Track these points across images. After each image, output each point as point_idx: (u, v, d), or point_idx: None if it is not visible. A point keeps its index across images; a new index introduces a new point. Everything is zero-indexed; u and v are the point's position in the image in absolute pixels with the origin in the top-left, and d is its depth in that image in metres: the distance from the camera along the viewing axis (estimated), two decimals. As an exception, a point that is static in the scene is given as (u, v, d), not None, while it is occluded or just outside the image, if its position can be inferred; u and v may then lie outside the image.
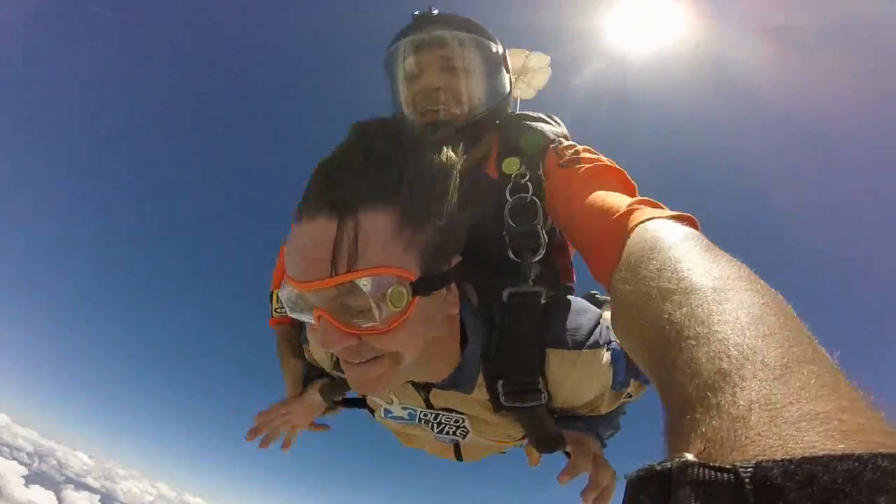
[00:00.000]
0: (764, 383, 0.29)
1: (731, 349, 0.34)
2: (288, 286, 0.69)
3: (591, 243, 0.79)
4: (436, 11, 1.07)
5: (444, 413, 1.02)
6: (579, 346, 0.85)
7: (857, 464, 0.21)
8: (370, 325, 0.66)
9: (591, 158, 0.93)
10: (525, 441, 1.21)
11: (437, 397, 0.97)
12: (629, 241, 0.66)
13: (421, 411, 1.04)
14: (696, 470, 0.23)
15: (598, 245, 0.76)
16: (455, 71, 1.03)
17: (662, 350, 0.42)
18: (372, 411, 1.17)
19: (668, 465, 0.25)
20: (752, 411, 0.28)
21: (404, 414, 1.07)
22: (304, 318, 0.72)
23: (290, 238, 0.69)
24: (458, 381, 0.89)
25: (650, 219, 0.68)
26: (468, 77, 1.04)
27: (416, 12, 1.08)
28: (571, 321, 0.87)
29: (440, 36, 1.04)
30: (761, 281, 0.45)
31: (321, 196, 0.65)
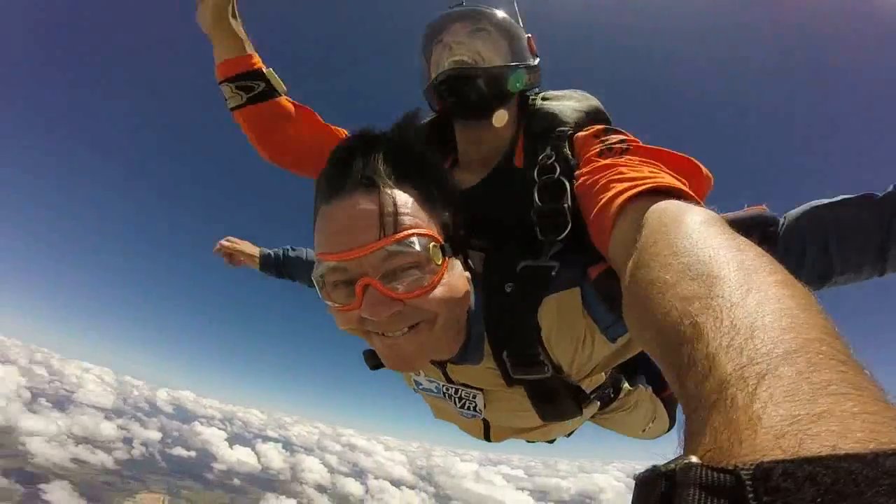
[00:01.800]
0: (784, 382, 0.28)
1: (753, 345, 0.32)
2: (328, 261, 0.73)
3: (593, 209, 0.77)
4: (465, 3, 1.18)
5: (463, 388, 1.07)
6: (557, 288, 0.86)
7: (859, 463, 0.20)
8: (416, 282, 0.73)
9: (622, 143, 0.90)
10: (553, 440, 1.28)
11: (454, 371, 1.03)
12: (646, 218, 0.62)
13: (443, 385, 1.09)
14: (698, 471, 0.23)
15: (600, 211, 0.74)
16: (474, 34, 1.12)
17: (678, 342, 0.40)
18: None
19: (672, 466, 0.25)
20: (768, 410, 0.27)
21: (432, 387, 1.12)
22: (341, 296, 0.76)
23: (322, 220, 0.76)
24: (467, 353, 0.92)
25: (664, 196, 0.66)
26: (485, 39, 1.12)
27: (450, 5, 1.20)
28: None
29: (460, 11, 1.15)
30: (787, 272, 0.42)
31: (354, 176, 0.74)
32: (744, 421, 0.27)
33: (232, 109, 1.22)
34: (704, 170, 0.83)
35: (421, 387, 1.15)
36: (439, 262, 0.75)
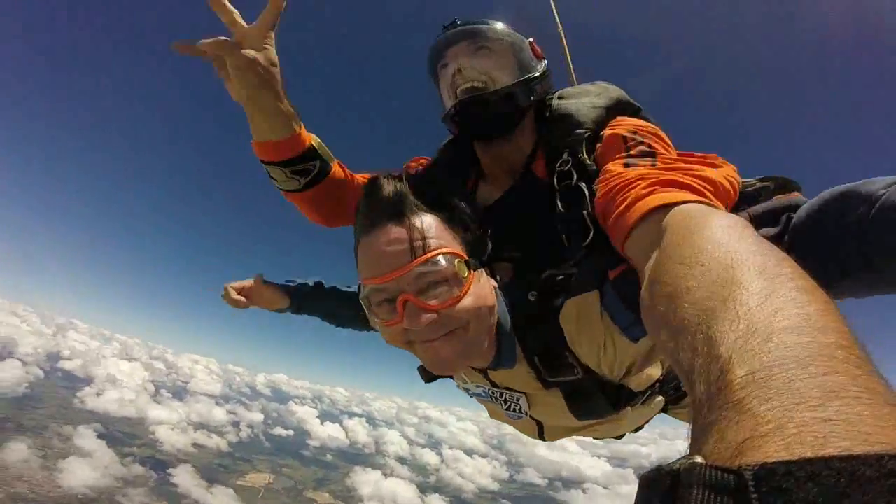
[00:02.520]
0: (795, 385, 0.28)
1: (768, 349, 0.32)
2: (372, 284, 0.86)
3: (613, 213, 0.79)
4: (458, 21, 1.19)
5: (507, 392, 1.14)
6: (577, 293, 0.89)
7: (862, 464, 0.20)
8: (447, 294, 0.84)
9: (648, 152, 0.88)
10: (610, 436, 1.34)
11: (496, 376, 1.11)
12: (667, 220, 0.64)
13: (490, 389, 1.17)
14: (702, 471, 0.23)
15: (620, 214, 0.76)
16: (476, 53, 1.14)
17: (693, 344, 0.40)
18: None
19: (677, 466, 0.25)
20: (776, 413, 0.27)
21: (480, 391, 1.20)
22: (385, 312, 0.87)
23: (362, 251, 0.88)
24: (501, 358, 0.99)
25: (689, 201, 0.67)
26: (489, 57, 1.14)
27: (445, 24, 1.20)
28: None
29: (459, 31, 1.16)
30: (809, 278, 0.42)
31: (384, 211, 0.86)
32: (751, 422, 0.27)
33: (284, 191, 1.17)
34: (728, 170, 0.80)
35: (471, 392, 1.23)
36: (465, 276, 0.85)
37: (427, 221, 0.87)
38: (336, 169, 1.20)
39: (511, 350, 0.99)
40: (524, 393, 1.11)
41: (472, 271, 0.88)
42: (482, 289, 0.90)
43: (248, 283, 1.51)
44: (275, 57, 0.98)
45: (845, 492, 0.20)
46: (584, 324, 0.90)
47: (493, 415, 1.32)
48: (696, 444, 0.31)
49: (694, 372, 0.38)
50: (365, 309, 0.91)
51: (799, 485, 0.21)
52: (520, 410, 1.15)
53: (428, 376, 1.18)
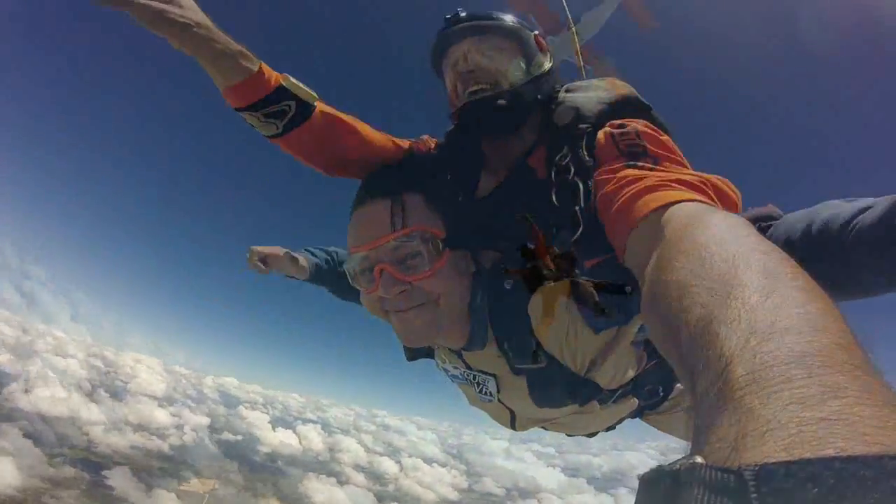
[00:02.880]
0: (795, 385, 0.28)
1: (768, 349, 0.32)
2: (356, 254, 0.99)
3: (612, 208, 0.79)
4: (463, 13, 1.17)
5: (480, 374, 1.19)
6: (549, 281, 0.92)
7: (862, 465, 0.21)
8: (420, 267, 0.94)
9: (650, 157, 0.87)
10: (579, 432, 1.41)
11: (470, 358, 1.17)
12: (668, 219, 0.64)
13: (465, 371, 1.22)
14: (703, 471, 0.23)
15: (620, 211, 0.77)
16: (483, 50, 1.13)
17: (694, 343, 0.40)
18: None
19: (677, 466, 0.25)
20: (776, 413, 0.27)
21: (457, 373, 1.25)
22: (365, 281, 0.99)
23: (351, 223, 1.01)
24: (473, 340, 1.06)
25: (689, 200, 0.68)
26: (499, 56, 1.13)
27: (448, 15, 1.19)
28: None
29: (465, 26, 1.15)
30: (810, 278, 0.42)
31: (372, 187, 1.00)
32: (751, 423, 0.27)
33: (269, 138, 1.12)
34: (733, 192, 0.82)
35: (449, 373, 1.27)
36: (440, 253, 0.95)
37: (410, 200, 0.97)
38: (322, 109, 1.12)
39: (482, 332, 1.05)
40: (493, 375, 1.16)
41: (447, 250, 0.97)
42: (457, 268, 0.99)
43: (274, 251, 1.52)
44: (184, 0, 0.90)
45: (845, 493, 0.20)
46: (548, 311, 0.94)
47: (471, 401, 1.37)
48: (696, 444, 0.31)
49: (694, 370, 0.38)
50: (349, 278, 1.02)
51: (799, 485, 0.21)
52: (489, 394, 1.20)
53: (411, 354, 1.25)
